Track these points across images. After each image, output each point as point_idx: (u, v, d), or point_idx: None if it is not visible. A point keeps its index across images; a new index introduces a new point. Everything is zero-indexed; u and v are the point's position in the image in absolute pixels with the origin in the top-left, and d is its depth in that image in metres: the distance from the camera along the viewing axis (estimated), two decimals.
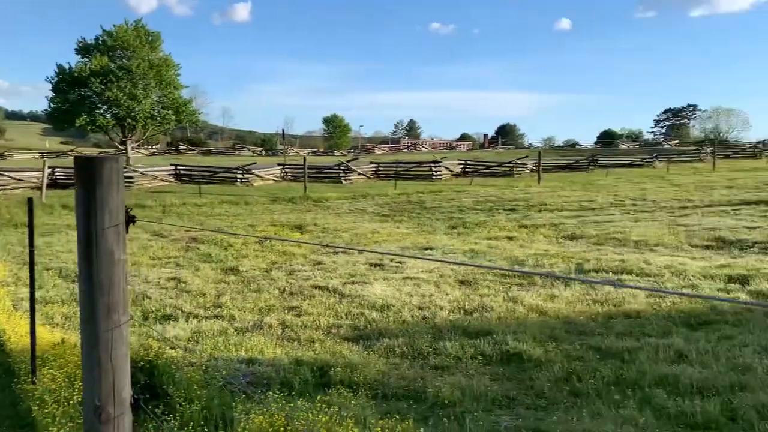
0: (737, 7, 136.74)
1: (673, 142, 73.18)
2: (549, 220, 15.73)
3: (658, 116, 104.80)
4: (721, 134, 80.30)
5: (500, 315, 6.87)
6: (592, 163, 37.07)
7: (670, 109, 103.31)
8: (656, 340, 5.63)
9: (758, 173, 27.93)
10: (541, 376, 4.83)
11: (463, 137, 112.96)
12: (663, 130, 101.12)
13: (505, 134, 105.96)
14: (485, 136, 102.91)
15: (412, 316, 6.84)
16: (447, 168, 33.32)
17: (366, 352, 5.58)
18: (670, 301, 7.17)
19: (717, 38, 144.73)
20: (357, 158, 43.14)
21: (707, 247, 11.18)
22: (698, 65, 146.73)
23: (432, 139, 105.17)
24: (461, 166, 34.63)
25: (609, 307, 7.07)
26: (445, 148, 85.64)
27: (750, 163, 36.02)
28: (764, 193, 20.01)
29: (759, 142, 53.15)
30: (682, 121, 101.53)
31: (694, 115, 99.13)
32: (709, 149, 40.37)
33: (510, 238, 13.22)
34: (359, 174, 31.91)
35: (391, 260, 10.77)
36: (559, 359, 5.18)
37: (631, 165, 37.54)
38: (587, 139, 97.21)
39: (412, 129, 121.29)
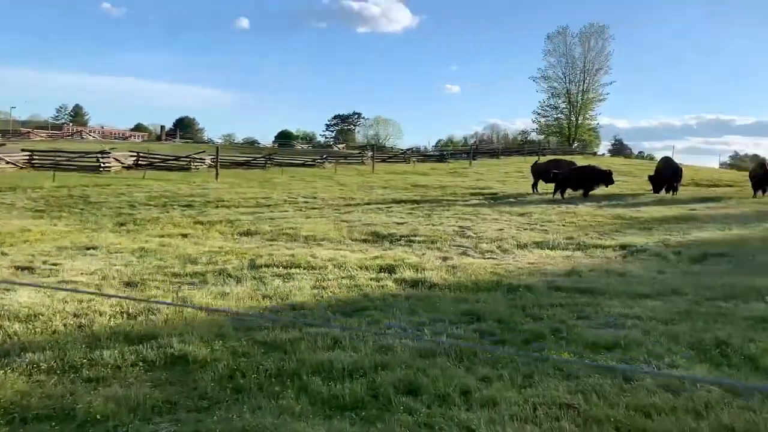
0: (392, 28, 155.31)
1: (341, 146, 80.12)
2: (225, 217, 15.73)
3: (329, 121, 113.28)
4: (380, 140, 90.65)
5: (168, 316, 6.58)
6: (269, 162, 38.31)
7: (339, 115, 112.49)
8: (316, 329, 6.02)
9: (407, 176, 32.27)
10: (205, 376, 4.76)
11: (138, 127, 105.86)
12: (333, 134, 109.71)
13: (184, 127, 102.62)
14: (162, 128, 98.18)
15: (65, 325, 6.11)
16: (117, 160, 30.94)
17: (2, 372, 4.79)
18: (331, 292, 7.77)
19: (379, 54, 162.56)
20: (4, 144, 37.07)
21: (365, 241, 12.46)
22: (363, 76, 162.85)
23: (102, 128, 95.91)
24: (134, 158, 32.50)
25: (277, 300, 7.35)
26: (116, 138, 79.34)
27: (402, 167, 41.45)
28: (411, 194, 23.22)
29: (409, 149, 61.57)
30: (349, 127, 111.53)
31: (359, 122, 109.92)
32: (370, 153, 45.15)
33: (184, 235, 12.85)
34: (7, 163, 27.53)
35: (45, 262, 9.52)
36: (225, 357, 5.18)
37: (304, 165, 39.88)
38: (266, 137, 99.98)
39: (78, 115, 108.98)
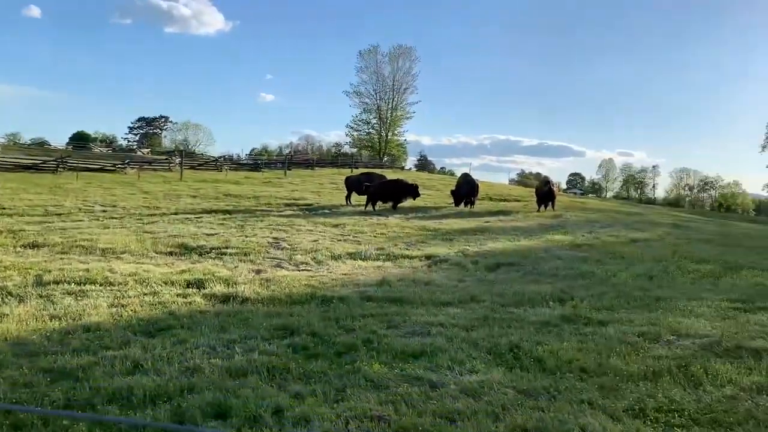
0: (204, 31, 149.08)
1: (146, 150, 75.05)
2: (7, 226, 13.89)
3: (132, 123, 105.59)
4: (189, 146, 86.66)
5: None
6: (61, 165, 34.71)
7: (144, 117, 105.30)
8: (114, 352, 5.51)
9: (219, 185, 31.22)
10: None
11: None
12: (137, 138, 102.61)
13: None
14: None
15: None
16: None
17: None
18: (131, 310, 7.18)
19: (189, 56, 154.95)
20: None
21: (171, 254, 11.74)
22: (171, 78, 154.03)
23: None
24: None
25: (68, 321, 6.62)
26: None
27: (213, 175, 39.97)
28: (222, 203, 22.47)
29: (221, 157, 59.58)
30: (155, 131, 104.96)
31: (166, 126, 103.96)
32: (178, 160, 42.96)
33: None
34: None
35: None
36: (1, 390, 4.51)
37: (103, 170, 36.73)
38: (58, 139, 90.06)
39: None
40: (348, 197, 25.66)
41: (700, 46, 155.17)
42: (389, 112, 75.87)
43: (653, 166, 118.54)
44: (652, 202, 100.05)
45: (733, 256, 14.00)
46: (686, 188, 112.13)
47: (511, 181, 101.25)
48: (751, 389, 4.81)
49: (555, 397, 4.66)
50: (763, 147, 78.60)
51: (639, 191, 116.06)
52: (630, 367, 5.36)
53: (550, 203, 25.50)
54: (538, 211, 24.96)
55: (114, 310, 7.16)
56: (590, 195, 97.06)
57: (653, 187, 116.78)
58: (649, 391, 4.75)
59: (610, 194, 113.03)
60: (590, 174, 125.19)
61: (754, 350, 5.83)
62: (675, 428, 4.04)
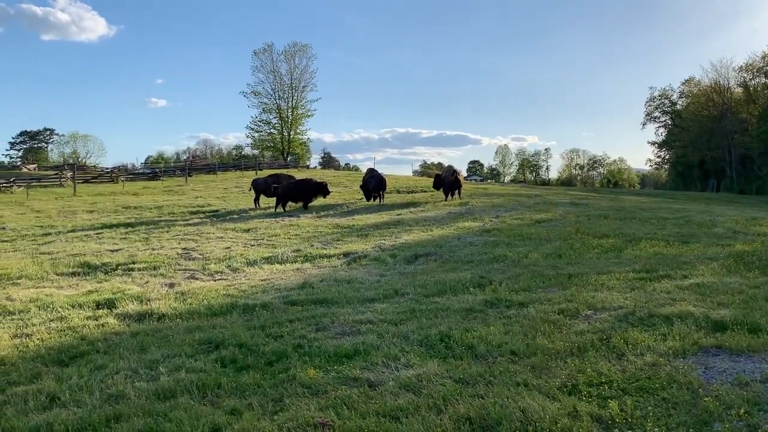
0: (85, 37, 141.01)
1: (32, 166, 70.04)
2: None
3: (14, 138, 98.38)
4: (79, 159, 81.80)
5: None
6: None
7: (26, 131, 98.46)
8: (25, 387, 5.08)
9: (117, 197, 29.68)
10: None
11: None
12: (20, 154, 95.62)
13: None
14: None
15: None
16: None
17: None
18: (38, 339, 6.66)
19: (71, 64, 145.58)
20: None
21: (74, 274, 11.03)
22: (54, 89, 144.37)
23: None
24: None
25: None
26: None
27: (109, 188, 37.95)
28: (123, 216, 21.39)
29: (115, 168, 56.64)
30: (40, 145, 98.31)
31: (52, 139, 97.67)
32: (70, 174, 40.46)
33: None
34: None
35: None
36: None
37: None
38: None
39: None
40: (256, 200, 25.16)
41: (579, 31, 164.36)
42: (289, 111, 74.91)
43: (545, 149, 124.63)
44: (547, 183, 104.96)
45: (630, 228, 14.89)
46: (577, 167, 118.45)
47: (415, 172, 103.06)
48: (668, 354, 5.11)
49: (491, 382, 4.73)
50: (643, 124, 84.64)
51: (534, 173, 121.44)
52: (556, 344, 5.54)
53: (457, 191, 26.14)
54: (446, 199, 25.51)
55: (18, 341, 6.61)
56: (489, 180, 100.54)
57: (547, 168, 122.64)
58: (578, 366, 4.93)
59: (507, 178, 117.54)
60: (488, 160, 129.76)
61: (665, 317, 6.21)
62: (608, 400, 4.21)
